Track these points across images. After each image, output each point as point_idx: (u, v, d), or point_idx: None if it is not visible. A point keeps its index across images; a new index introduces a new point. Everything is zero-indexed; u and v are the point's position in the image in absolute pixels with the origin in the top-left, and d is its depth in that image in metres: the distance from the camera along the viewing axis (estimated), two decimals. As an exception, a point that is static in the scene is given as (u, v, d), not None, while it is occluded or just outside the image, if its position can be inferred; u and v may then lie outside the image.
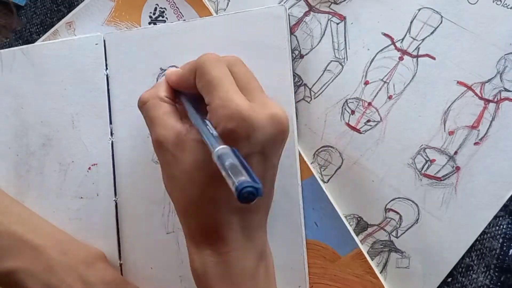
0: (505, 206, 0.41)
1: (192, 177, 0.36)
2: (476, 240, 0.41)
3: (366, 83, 0.44)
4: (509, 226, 0.41)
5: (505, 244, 0.41)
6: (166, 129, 0.37)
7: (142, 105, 0.40)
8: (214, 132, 0.34)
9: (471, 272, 0.42)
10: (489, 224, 0.41)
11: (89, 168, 0.47)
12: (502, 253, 0.41)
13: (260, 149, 0.35)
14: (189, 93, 0.40)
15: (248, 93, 0.36)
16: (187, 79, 0.39)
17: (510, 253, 0.41)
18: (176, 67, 0.46)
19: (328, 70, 0.45)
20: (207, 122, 0.35)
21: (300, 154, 0.44)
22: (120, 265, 0.46)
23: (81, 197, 0.47)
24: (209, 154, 0.33)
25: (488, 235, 0.41)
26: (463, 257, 0.42)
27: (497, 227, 0.41)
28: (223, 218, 0.37)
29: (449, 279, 0.42)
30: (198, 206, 0.37)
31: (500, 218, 0.41)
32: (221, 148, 0.31)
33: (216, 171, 0.33)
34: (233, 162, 0.30)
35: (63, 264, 0.43)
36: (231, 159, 0.31)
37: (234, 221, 0.37)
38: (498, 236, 0.41)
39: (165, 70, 0.46)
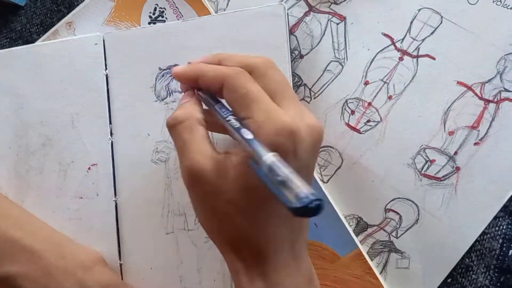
0: (505, 206, 0.41)
1: (240, 206, 0.33)
2: (476, 240, 0.41)
3: (366, 83, 0.44)
4: (509, 226, 0.41)
5: (504, 245, 0.41)
6: (204, 156, 0.33)
7: (176, 125, 0.35)
8: (257, 140, 0.31)
9: (471, 272, 0.42)
10: (489, 224, 0.41)
11: (89, 168, 0.47)
12: (501, 253, 0.41)
13: (305, 162, 0.33)
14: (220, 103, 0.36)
15: (285, 102, 0.34)
16: (207, 82, 0.36)
17: (509, 253, 0.41)
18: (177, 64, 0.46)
19: (328, 70, 0.45)
20: (244, 131, 0.32)
21: (300, 154, 0.44)
22: (120, 265, 0.46)
23: (81, 197, 0.47)
24: (255, 178, 0.30)
25: (488, 235, 0.41)
26: (463, 258, 0.42)
27: (497, 228, 0.41)
28: (276, 243, 0.34)
29: (449, 280, 0.42)
30: (252, 232, 0.34)
31: (500, 219, 0.41)
32: (270, 156, 0.29)
33: (269, 196, 0.30)
34: (288, 170, 0.27)
35: (62, 269, 0.43)
36: (285, 167, 0.28)
37: (285, 246, 0.34)
38: (498, 237, 0.41)
39: (164, 69, 0.46)
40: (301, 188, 0.26)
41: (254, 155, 0.30)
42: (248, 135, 0.32)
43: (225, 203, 0.33)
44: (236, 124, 0.33)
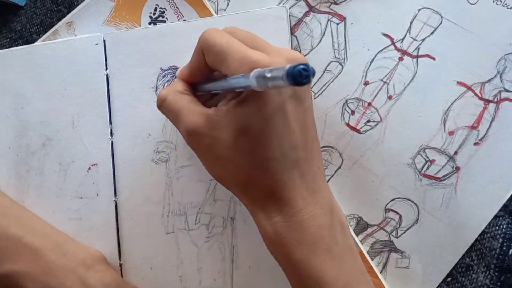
0: (505, 206, 0.41)
1: (238, 149, 0.36)
2: (476, 240, 0.41)
3: (366, 83, 0.44)
4: (509, 226, 0.41)
5: (505, 244, 0.41)
6: (196, 116, 0.37)
7: (162, 102, 0.39)
8: (238, 76, 0.33)
9: (471, 272, 0.42)
10: (489, 224, 0.41)
11: (89, 168, 0.47)
12: (502, 253, 0.41)
13: (292, 92, 0.35)
14: (203, 83, 0.39)
15: (258, 49, 0.36)
16: (197, 64, 0.38)
17: (510, 253, 0.41)
18: (176, 67, 0.46)
19: (328, 70, 0.45)
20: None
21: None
22: (120, 265, 0.46)
23: (81, 197, 0.47)
24: (246, 118, 0.34)
25: (488, 235, 0.41)
26: (463, 257, 0.42)
27: (497, 227, 0.41)
28: (283, 177, 0.35)
29: (449, 279, 0.42)
30: (254, 174, 0.36)
31: (500, 218, 0.41)
32: (253, 72, 0.30)
33: (259, 131, 0.34)
34: (271, 68, 0.29)
35: (62, 267, 0.43)
36: (266, 69, 0.29)
37: (295, 176, 0.36)
38: (498, 236, 0.41)
39: (165, 70, 0.46)
40: (283, 68, 0.27)
41: (246, 84, 0.31)
42: (234, 78, 0.34)
43: (224, 149, 0.36)
44: (218, 81, 0.36)
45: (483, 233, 0.41)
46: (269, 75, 0.29)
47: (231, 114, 0.35)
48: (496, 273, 0.41)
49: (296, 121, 0.36)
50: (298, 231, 0.35)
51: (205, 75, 0.39)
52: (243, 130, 0.35)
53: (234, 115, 0.35)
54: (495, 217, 0.41)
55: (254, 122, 0.34)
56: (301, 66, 0.26)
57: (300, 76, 0.26)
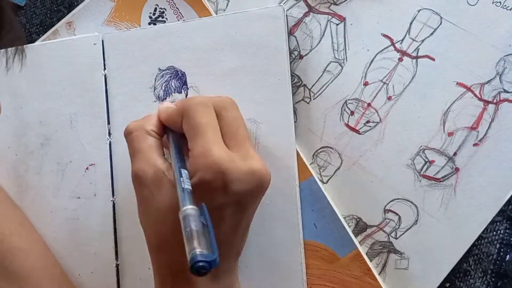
0: (502, 211, 0.41)
1: (164, 218, 0.36)
2: (474, 245, 0.41)
3: (366, 84, 0.44)
4: (507, 231, 0.41)
5: (502, 250, 0.41)
6: (147, 164, 0.37)
7: (128, 134, 0.39)
8: (187, 186, 0.34)
9: (469, 277, 0.41)
10: (487, 229, 0.41)
11: (87, 168, 0.47)
12: (499, 258, 0.41)
13: (236, 200, 0.36)
14: (178, 132, 0.39)
15: (233, 141, 0.37)
16: (175, 120, 0.39)
17: (507, 258, 0.41)
18: (174, 68, 0.46)
19: (327, 70, 0.45)
20: (184, 172, 0.35)
21: (299, 155, 0.44)
22: (117, 265, 0.46)
23: (79, 197, 0.47)
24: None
25: (486, 240, 0.41)
26: (460, 262, 0.41)
27: (494, 232, 0.41)
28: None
29: (447, 284, 0.42)
30: (168, 246, 0.37)
31: (498, 223, 0.41)
32: (187, 209, 0.32)
33: None
34: (194, 228, 0.31)
35: None
36: (194, 224, 0.31)
37: None
38: (495, 242, 0.41)
39: (163, 70, 0.46)
40: (193, 247, 0.30)
41: (179, 203, 0.33)
42: (178, 178, 0.35)
43: (155, 210, 0.37)
44: (176, 164, 0.36)
45: (480, 238, 0.41)
46: (184, 232, 0.31)
47: (174, 188, 0.36)
48: (493, 279, 0.41)
49: (230, 222, 0.36)
50: None
51: (179, 129, 0.39)
52: (176, 208, 0.34)
53: (175, 192, 0.35)
54: (493, 222, 0.41)
55: None
56: (200, 264, 0.29)
57: (197, 271, 0.29)
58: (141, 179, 0.37)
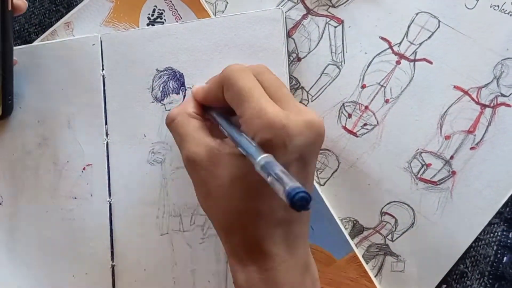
0: (500, 213, 0.41)
1: (230, 192, 0.35)
2: (471, 247, 0.41)
3: (363, 86, 0.44)
4: (504, 233, 0.41)
5: (499, 252, 0.41)
6: (198, 146, 0.37)
7: (171, 122, 0.39)
8: (253, 143, 0.33)
9: (466, 279, 0.41)
10: (484, 231, 0.41)
11: (84, 169, 0.47)
12: (496, 260, 0.41)
13: (298, 156, 0.35)
14: (218, 108, 0.39)
15: (279, 101, 0.36)
16: (215, 93, 0.38)
17: (504, 260, 0.41)
18: (172, 69, 0.46)
19: (325, 73, 0.45)
20: (243, 133, 0.34)
21: (296, 157, 0.44)
22: (113, 266, 0.46)
23: (75, 198, 0.47)
24: (246, 167, 0.33)
25: (483, 242, 0.41)
26: (457, 264, 0.41)
27: (491, 234, 0.41)
28: (267, 232, 0.35)
29: (444, 286, 0.42)
30: (240, 221, 0.36)
31: (495, 225, 0.41)
32: (263, 157, 0.31)
33: (255, 184, 0.34)
34: (280, 170, 0.29)
35: None
36: (277, 167, 0.30)
37: (277, 234, 0.36)
38: (492, 243, 0.41)
39: (161, 71, 0.46)
40: (288, 184, 0.28)
41: (251, 160, 0.32)
42: (240, 137, 0.34)
43: (216, 187, 0.36)
44: (232, 129, 0.36)
45: (477, 240, 0.41)
46: (269, 179, 0.29)
47: (234, 158, 0.35)
48: (490, 281, 0.41)
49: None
50: (270, 286, 0.35)
51: (219, 104, 0.39)
52: (241, 178, 0.35)
53: (236, 160, 0.35)
54: (490, 224, 0.41)
55: (253, 173, 0.33)
56: (301, 195, 0.27)
57: (299, 204, 0.27)
58: (195, 162, 0.36)
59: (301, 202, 0.27)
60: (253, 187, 0.35)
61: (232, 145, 0.36)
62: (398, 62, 0.43)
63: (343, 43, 0.45)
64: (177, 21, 0.48)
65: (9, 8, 0.43)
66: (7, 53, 0.45)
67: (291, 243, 0.36)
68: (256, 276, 0.36)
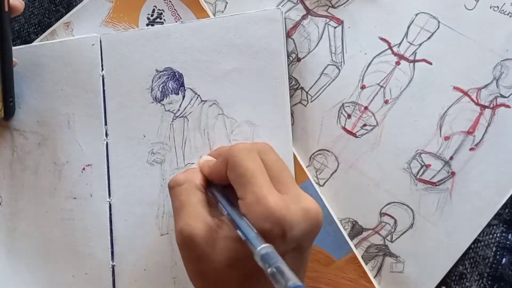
0: (499, 214, 0.41)
1: (226, 277, 0.35)
2: (470, 248, 0.41)
3: (363, 87, 0.44)
4: (503, 234, 0.41)
5: (498, 253, 0.41)
6: (197, 220, 0.35)
7: (175, 186, 0.38)
8: (254, 229, 0.33)
9: (465, 280, 0.41)
10: (483, 232, 0.41)
11: (83, 169, 0.47)
12: (495, 261, 0.41)
13: (296, 245, 0.35)
14: (219, 185, 0.39)
15: (279, 182, 0.36)
16: (219, 170, 0.38)
17: (503, 261, 0.41)
18: (172, 69, 0.46)
19: (325, 73, 0.45)
20: (244, 217, 0.34)
21: (296, 158, 0.44)
22: (113, 266, 0.46)
23: (75, 198, 0.47)
24: (243, 252, 0.33)
25: (482, 243, 0.41)
26: (456, 265, 0.42)
27: (490, 236, 0.41)
28: None
29: (443, 287, 0.42)
30: None
31: (494, 227, 0.41)
32: (264, 247, 0.31)
33: (252, 269, 0.33)
34: (281, 263, 0.29)
35: None
36: (277, 260, 0.30)
37: None
38: (491, 245, 0.41)
39: (160, 71, 0.46)
40: (289, 280, 0.28)
41: (250, 246, 0.32)
42: (242, 221, 0.34)
43: (211, 270, 0.35)
44: (233, 211, 0.35)
45: (476, 241, 0.41)
46: (269, 271, 0.29)
47: (231, 242, 0.34)
48: (489, 282, 0.41)
49: (291, 268, 0.35)
50: None
51: (222, 182, 0.38)
52: (238, 262, 0.34)
53: (233, 243, 0.34)
54: (489, 225, 0.41)
55: (251, 259, 0.33)
56: None
57: None
58: (190, 236, 0.35)
59: None
60: (250, 273, 0.34)
61: (229, 228, 0.35)
62: (397, 63, 0.43)
63: (342, 44, 0.45)
64: (176, 21, 0.48)
65: (6, 9, 0.43)
66: (6, 55, 0.45)
67: None
68: None
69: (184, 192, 0.37)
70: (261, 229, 0.33)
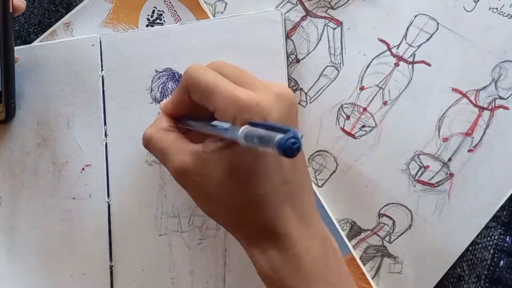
0: (496, 217, 0.41)
1: (228, 186, 0.36)
2: (468, 250, 0.41)
3: (362, 88, 0.44)
4: (501, 237, 0.41)
5: (496, 255, 0.41)
6: (183, 154, 0.37)
7: (148, 141, 0.39)
8: (226, 125, 0.34)
9: (462, 282, 0.41)
10: (481, 234, 0.41)
11: (83, 169, 0.47)
12: (493, 264, 0.41)
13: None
14: (189, 117, 0.39)
15: (245, 84, 0.36)
16: (181, 99, 0.38)
17: (501, 264, 0.41)
18: (171, 70, 0.46)
19: (324, 75, 0.45)
20: (215, 122, 0.35)
21: (294, 159, 0.44)
22: (111, 267, 0.46)
23: (74, 198, 0.47)
24: (235, 157, 0.34)
25: (480, 245, 0.41)
26: (454, 267, 0.42)
27: (488, 238, 0.41)
28: (275, 213, 0.36)
29: (441, 289, 0.42)
30: (246, 211, 0.36)
31: (492, 229, 0.41)
32: (243, 130, 0.30)
33: (248, 170, 0.34)
34: (261, 132, 0.29)
35: None
36: (258, 131, 0.29)
37: (286, 211, 0.36)
38: (489, 247, 0.41)
39: (160, 72, 0.46)
40: (274, 138, 0.27)
41: (233, 139, 0.31)
42: (222, 128, 0.34)
43: (214, 186, 0.36)
44: (203, 124, 0.36)
45: (474, 243, 0.41)
46: (256, 140, 0.29)
47: (220, 153, 0.35)
48: (487, 284, 0.41)
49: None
50: (294, 264, 0.35)
51: (190, 111, 0.39)
52: (233, 168, 0.35)
53: (223, 154, 0.35)
54: (487, 227, 0.41)
55: (245, 160, 0.34)
56: (291, 140, 0.27)
57: (290, 150, 0.27)
58: (183, 170, 0.36)
59: (291, 146, 0.27)
60: (248, 175, 0.35)
61: (214, 142, 0.36)
62: (396, 64, 0.44)
63: (341, 45, 0.45)
64: (176, 22, 0.48)
65: (10, 10, 0.43)
66: (8, 55, 0.45)
67: (302, 216, 0.36)
68: (278, 258, 0.35)
69: (158, 140, 0.38)
70: (242, 122, 0.33)
